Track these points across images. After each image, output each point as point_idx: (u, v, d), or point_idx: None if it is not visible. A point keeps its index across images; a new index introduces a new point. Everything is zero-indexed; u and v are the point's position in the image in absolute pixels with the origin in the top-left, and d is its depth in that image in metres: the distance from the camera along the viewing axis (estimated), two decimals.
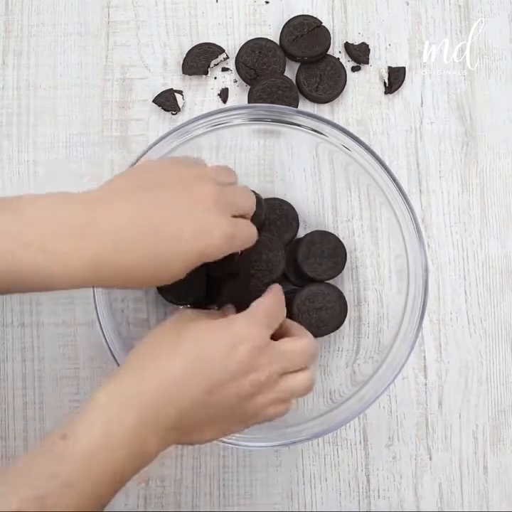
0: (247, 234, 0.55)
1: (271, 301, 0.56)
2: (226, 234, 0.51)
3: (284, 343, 0.55)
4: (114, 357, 0.59)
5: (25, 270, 0.47)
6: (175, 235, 0.50)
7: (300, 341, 0.56)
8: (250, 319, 0.53)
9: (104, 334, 0.59)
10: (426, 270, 0.61)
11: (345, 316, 0.65)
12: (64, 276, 0.48)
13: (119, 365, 0.58)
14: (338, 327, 0.65)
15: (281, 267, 0.62)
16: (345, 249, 0.66)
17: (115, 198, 0.51)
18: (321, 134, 0.63)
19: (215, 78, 0.71)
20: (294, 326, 0.58)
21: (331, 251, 0.65)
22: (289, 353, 0.54)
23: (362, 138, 0.62)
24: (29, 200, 0.49)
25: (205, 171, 0.55)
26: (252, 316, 0.54)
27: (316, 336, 0.63)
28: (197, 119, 0.61)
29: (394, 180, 0.61)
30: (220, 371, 0.51)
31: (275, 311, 0.56)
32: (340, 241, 0.66)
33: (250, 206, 0.57)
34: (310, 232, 0.66)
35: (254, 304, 0.55)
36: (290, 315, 0.61)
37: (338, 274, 0.65)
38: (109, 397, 0.49)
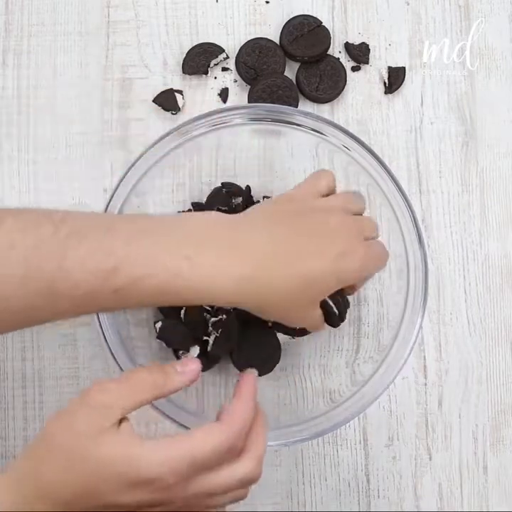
0: (379, 254, 0.55)
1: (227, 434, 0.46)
2: (361, 256, 0.52)
3: (220, 475, 0.46)
4: (114, 357, 0.59)
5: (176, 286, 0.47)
6: (315, 255, 0.50)
7: (242, 467, 0.47)
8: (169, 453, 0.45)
9: (104, 334, 0.59)
10: (426, 270, 0.61)
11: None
12: (209, 292, 0.47)
13: (119, 365, 0.58)
14: None
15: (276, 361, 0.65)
16: None
17: (252, 226, 0.51)
18: (321, 134, 0.63)
19: (215, 78, 0.71)
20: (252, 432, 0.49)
21: None
22: (224, 486, 0.47)
23: (362, 138, 0.62)
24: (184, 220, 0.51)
25: (334, 201, 0.55)
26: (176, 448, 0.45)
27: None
28: (197, 118, 0.61)
29: (394, 180, 0.61)
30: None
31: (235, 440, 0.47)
32: None
33: (377, 236, 0.57)
34: None
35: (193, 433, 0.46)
36: None
37: None
38: None
